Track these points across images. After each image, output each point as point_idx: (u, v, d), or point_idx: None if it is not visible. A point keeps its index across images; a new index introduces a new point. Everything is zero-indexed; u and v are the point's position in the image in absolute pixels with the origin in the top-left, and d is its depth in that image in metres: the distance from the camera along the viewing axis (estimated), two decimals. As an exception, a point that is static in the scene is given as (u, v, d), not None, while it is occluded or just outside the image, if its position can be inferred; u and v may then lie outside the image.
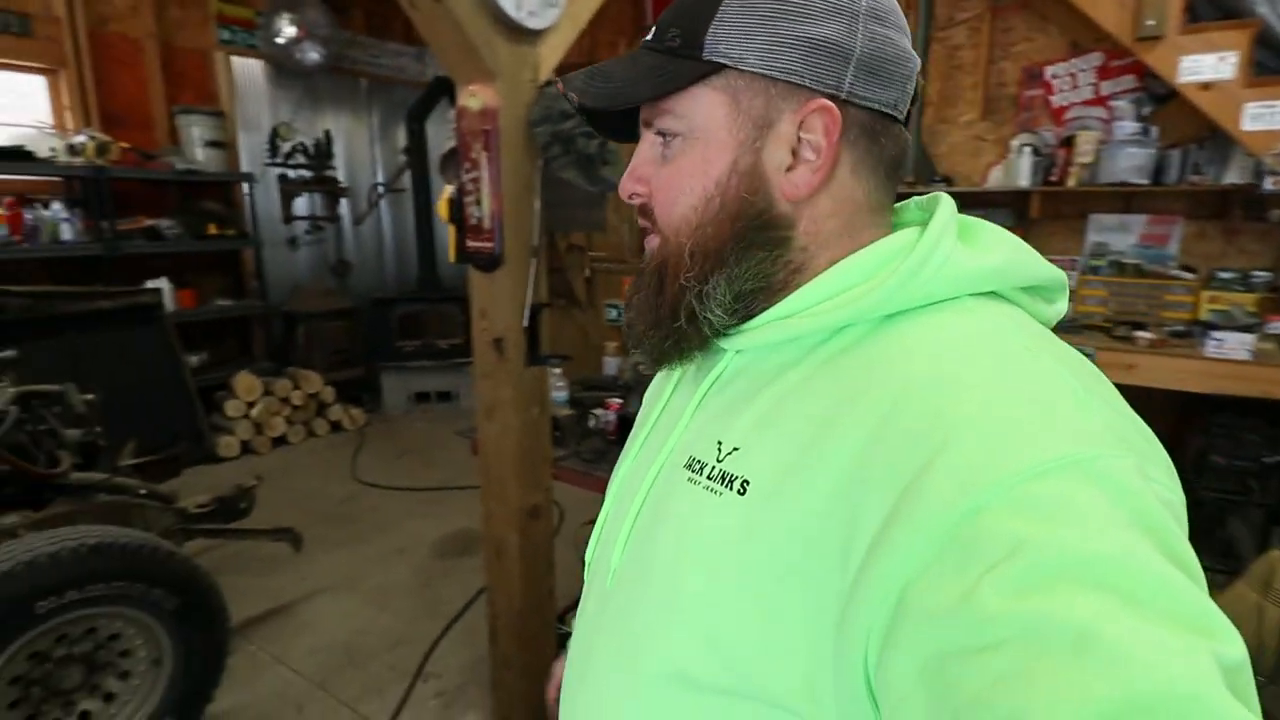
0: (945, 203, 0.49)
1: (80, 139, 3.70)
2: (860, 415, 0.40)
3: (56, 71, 3.90)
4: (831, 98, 0.46)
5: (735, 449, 0.46)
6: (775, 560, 0.41)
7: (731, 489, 0.44)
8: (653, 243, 0.52)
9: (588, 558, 0.61)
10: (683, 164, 0.49)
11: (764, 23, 0.45)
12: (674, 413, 0.56)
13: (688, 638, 0.45)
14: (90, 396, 2.39)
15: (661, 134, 0.50)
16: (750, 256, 0.48)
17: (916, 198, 0.54)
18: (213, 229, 4.32)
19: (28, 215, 3.61)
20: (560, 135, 1.59)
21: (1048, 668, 0.29)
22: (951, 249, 0.45)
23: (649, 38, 0.50)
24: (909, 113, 0.50)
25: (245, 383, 4.18)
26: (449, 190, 1.79)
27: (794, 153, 0.47)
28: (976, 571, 0.32)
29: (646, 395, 0.67)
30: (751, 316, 0.50)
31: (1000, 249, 0.47)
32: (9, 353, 2.24)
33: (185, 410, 3.41)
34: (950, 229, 0.46)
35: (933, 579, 0.33)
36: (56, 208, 3.72)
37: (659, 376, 0.63)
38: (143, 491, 2.19)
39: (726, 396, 0.51)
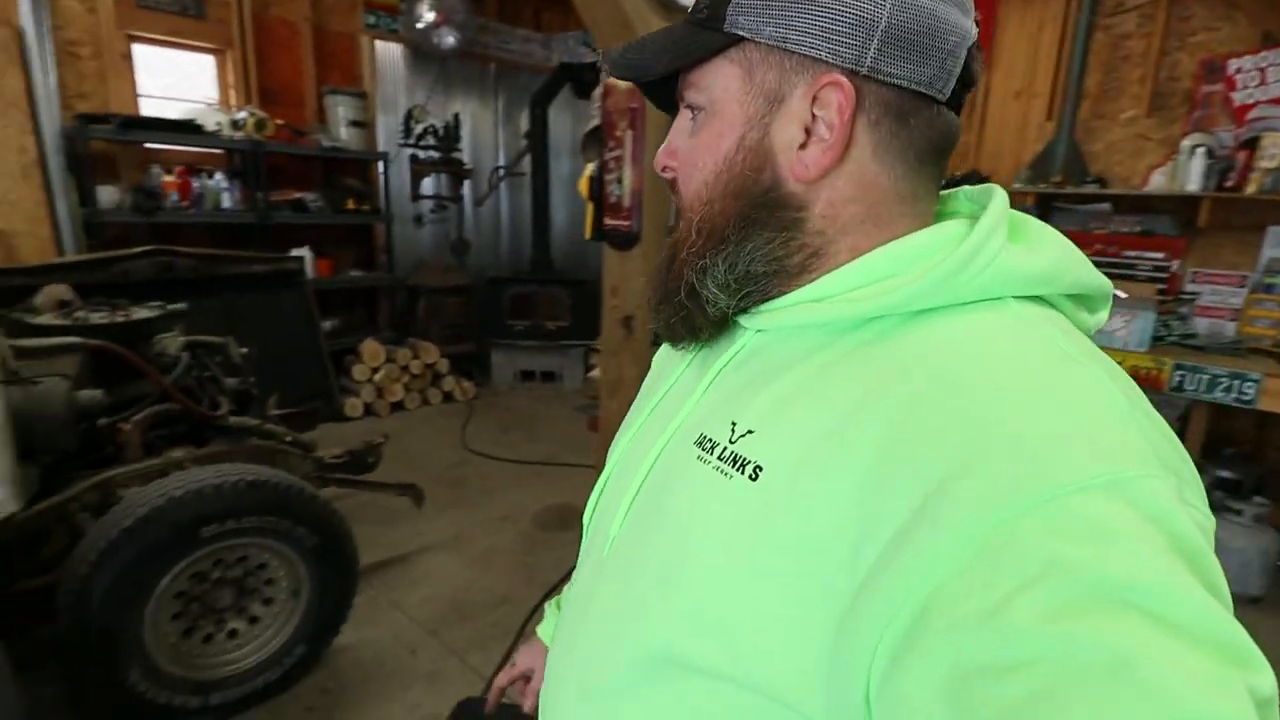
0: (999, 196, 0.46)
1: (242, 115, 4.04)
2: (886, 410, 0.39)
3: (224, 52, 4.26)
4: (851, 73, 0.43)
5: (749, 431, 0.44)
6: (781, 550, 0.40)
7: (743, 473, 0.43)
8: (679, 221, 0.51)
9: (585, 522, 0.60)
10: (702, 138, 0.48)
11: None
12: (685, 386, 0.54)
13: (682, 616, 0.44)
14: (245, 350, 2.61)
15: (690, 107, 0.49)
16: (755, 236, 0.46)
17: (967, 188, 0.50)
18: (350, 204, 4.62)
19: (195, 184, 3.98)
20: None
21: (1082, 693, 0.28)
22: (1000, 247, 0.42)
23: (689, 11, 0.49)
24: (961, 94, 0.46)
25: (371, 349, 4.45)
26: (590, 168, 1.82)
27: (808, 130, 0.45)
28: (1010, 586, 0.31)
29: (654, 364, 0.65)
30: (768, 298, 0.48)
31: (1050, 250, 0.45)
32: (180, 305, 2.47)
33: (319, 370, 3.66)
34: (1001, 225, 0.43)
35: (961, 588, 0.32)
36: (219, 178, 4.09)
37: (668, 346, 0.61)
38: (287, 439, 2.37)
39: (742, 376, 0.49)
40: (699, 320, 0.50)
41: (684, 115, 0.50)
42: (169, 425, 2.14)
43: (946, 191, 0.51)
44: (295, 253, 4.17)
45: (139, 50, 4.01)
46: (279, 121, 4.23)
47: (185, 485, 1.72)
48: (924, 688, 0.31)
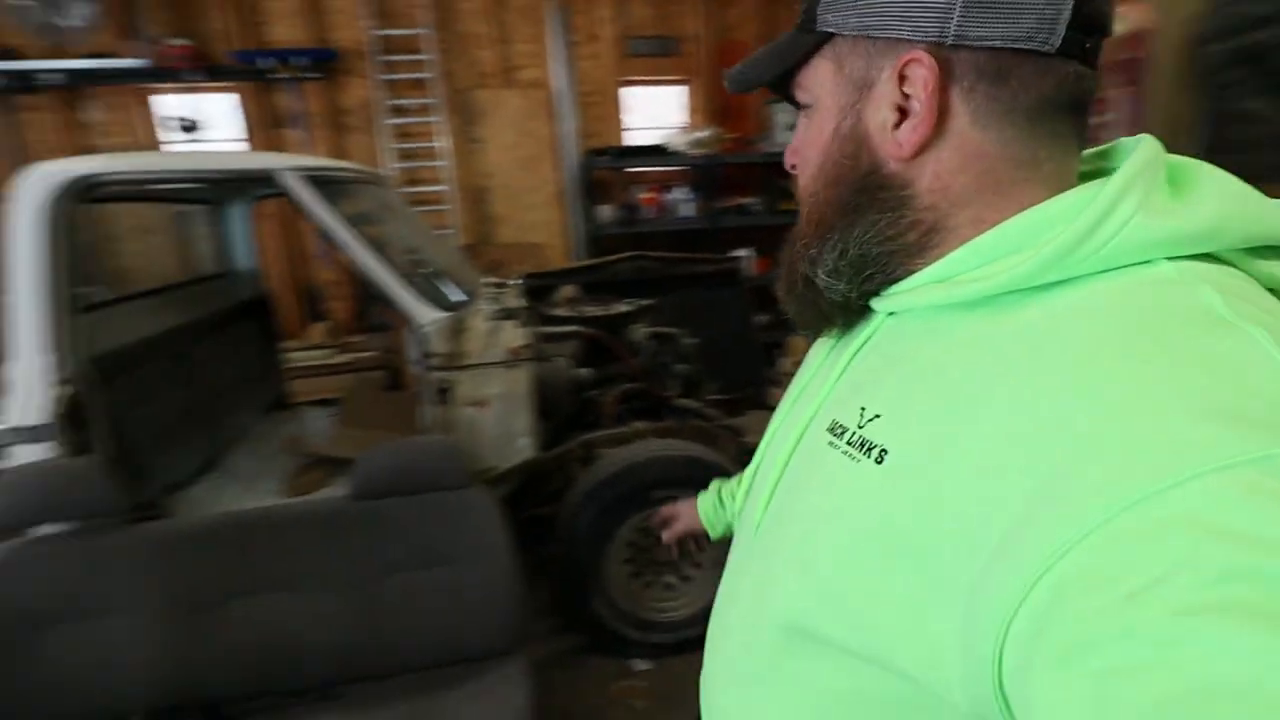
0: (1141, 147, 0.43)
1: (703, 134, 4.60)
2: (1007, 393, 0.37)
3: (690, 81, 4.92)
4: (935, 45, 0.42)
5: (877, 415, 0.45)
6: (905, 532, 0.39)
7: (870, 457, 0.43)
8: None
9: (735, 510, 0.62)
10: (808, 134, 0.50)
11: None
12: (825, 374, 0.54)
13: (813, 596, 0.45)
14: (693, 341, 2.97)
15: (802, 107, 0.51)
16: (860, 220, 0.47)
17: (1125, 139, 0.46)
18: (785, 205, 4.88)
19: (663, 197, 4.70)
20: (1248, 51, 1.18)
21: (1212, 703, 0.25)
22: (1135, 209, 0.39)
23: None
24: (1084, 41, 0.42)
25: (796, 343, 4.64)
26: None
27: (900, 110, 0.44)
28: (1137, 581, 0.28)
29: (806, 355, 0.65)
30: (894, 279, 0.48)
31: (1208, 203, 0.40)
32: (649, 301, 2.94)
33: (753, 361, 3.96)
34: (1138, 183, 0.40)
35: (1085, 581, 0.30)
36: (681, 191, 4.75)
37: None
38: (722, 422, 2.62)
39: (874, 361, 0.49)
40: (824, 308, 0.51)
41: (801, 116, 0.53)
42: (634, 401, 2.58)
43: (1106, 146, 0.48)
44: (737, 253, 4.59)
45: (625, 91, 4.90)
46: (731, 135, 4.69)
47: (644, 454, 2.05)
48: (1053, 683, 0.30)
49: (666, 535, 1.07)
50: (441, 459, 1.80)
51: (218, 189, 2.75)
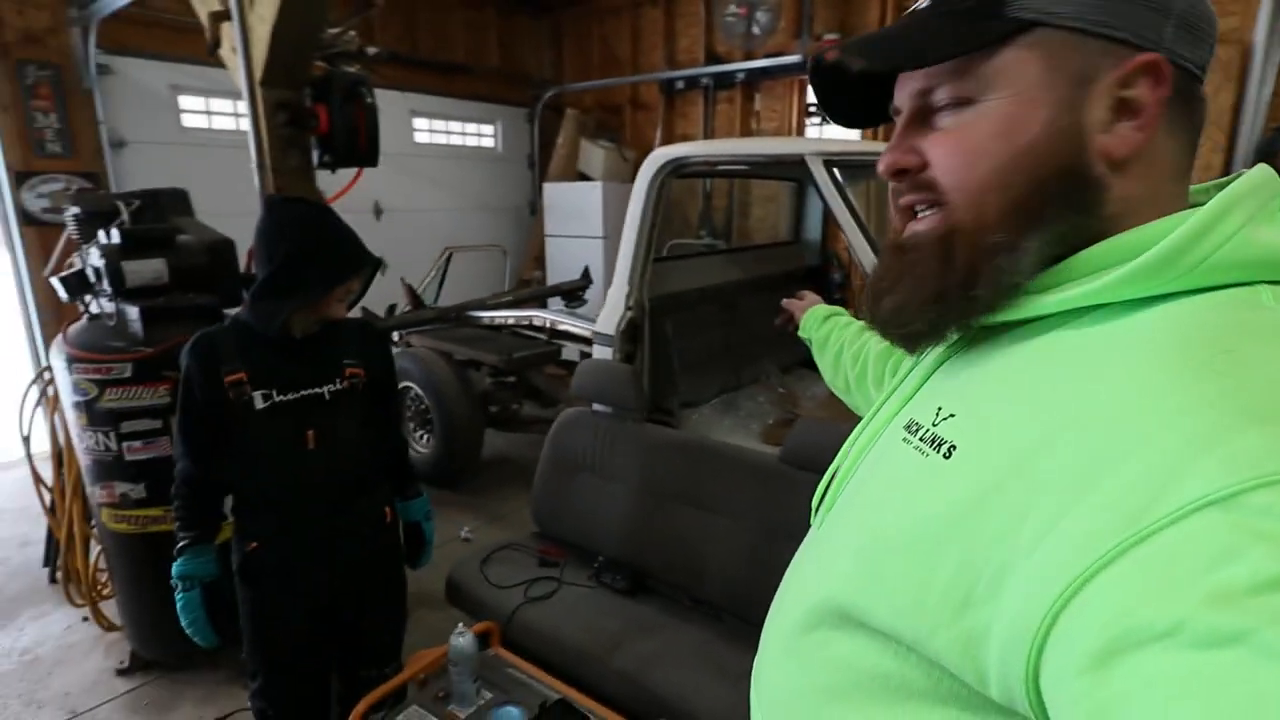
0: (1252, 173, 0.43)
1: None
2: (1073, 402, 0.38)
3: None
4: (1154, 52, 0.43)
5: (951, 415, 0.46)
6: (962, 524, 0.40)
7: (939, 452, 0.45)
8: (929, 219, 0.49)
9: (813, 505, 0.62)
10: (981, 126, 0.47)
11: None
12: (911, 378, 0.56)
13: (859, 578, 0.46)
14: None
15: (944, 103, 0.48)
16: (1067, 218, 0.45)
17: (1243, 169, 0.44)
18: None
19: None
20: None
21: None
22: (1236, 229, 0.39)
23: (928, 3, 0.48)
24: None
25: None
26: None
27: (1114, 111, 0.44)
28: (1186, 585, 0.29)
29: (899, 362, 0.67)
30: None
31: None
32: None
33: None
34: (1246, 203, 0.40)
35: (1139, 582, 0.30)
36: None
37: None
38: None
39: (957, 364, 0.51)
40: (978, 311, 0.47)
41: (914, 111, 0.50)
42: None
43: (1222, 179, 0.48)
44: None
45: (1392, 34, 3.26)
46: None
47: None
48: (1095, 683, 0.30)
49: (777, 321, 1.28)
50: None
51: (785, 169, 3.16)
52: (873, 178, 2.40)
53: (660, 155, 2.37)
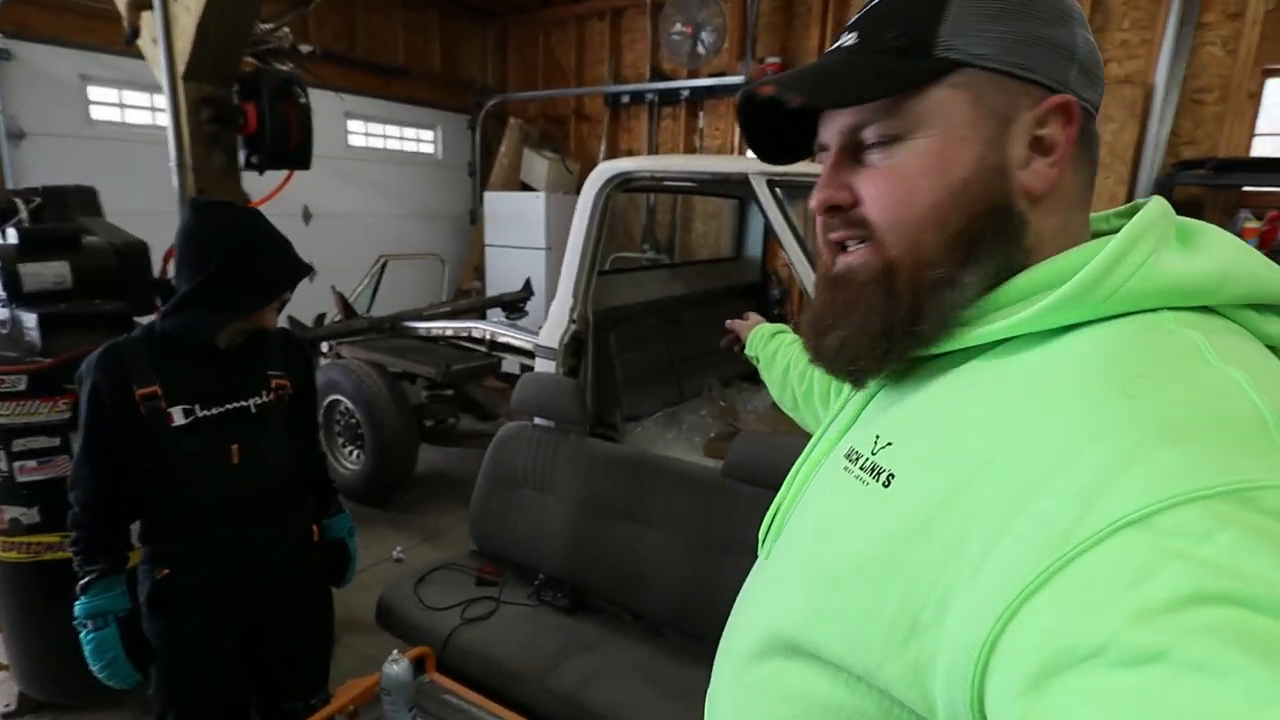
0: (1150, 206, 0.45)
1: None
2: (998, 431, 0.40)
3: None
4: (1064, 91, 0.47)
5: (889, 444, 0.47)
6: (902, 554, 0.41)
7: (878, 481, 0.46)
8: (860, 253, 0.50)
9: (760, 537, 0.62)
10: (913, 164, 0.48)
11: (996, 21, 0.46)
12: (850, 407, 0.57)
13: (808, 610, 0.47)
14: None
15: (874, 140, 0.49)
16: (999, 252, 0.47)
17: (1140, 200, 0.48)
18: None
19: (1289, 230, 3.35)
20: None
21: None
22: (1145, 258, 0.42)
23: (854, 40, 0.50)
24: None
25: None
26: None
27: (1031, 149, 0.47)
28: (1112, 605, 0.30)
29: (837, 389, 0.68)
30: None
31: (1214, 256, 0.43)
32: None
33: None
34: (1149, 235, 0.43)
35: (1066, 603, 0.31)
36: (1327, 223, 3.29)
37: None
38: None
39: (893, 394, 0.52)
40: (918, 346, 0.49)
41: (843, 149, 0.51)
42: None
43: (1124, 206, 0.52)
44: None
45: (1272, 85, 3.58)
46: None
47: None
48: (1030, 706, 0.31)
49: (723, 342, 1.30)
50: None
51: (726, 186, 3.21)
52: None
53: (606, 169, 2.36)
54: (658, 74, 5.64)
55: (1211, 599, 0.28)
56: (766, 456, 1.86)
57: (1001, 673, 0.33)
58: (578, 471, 2.14)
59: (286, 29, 2.04)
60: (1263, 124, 3.65)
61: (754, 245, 3.66)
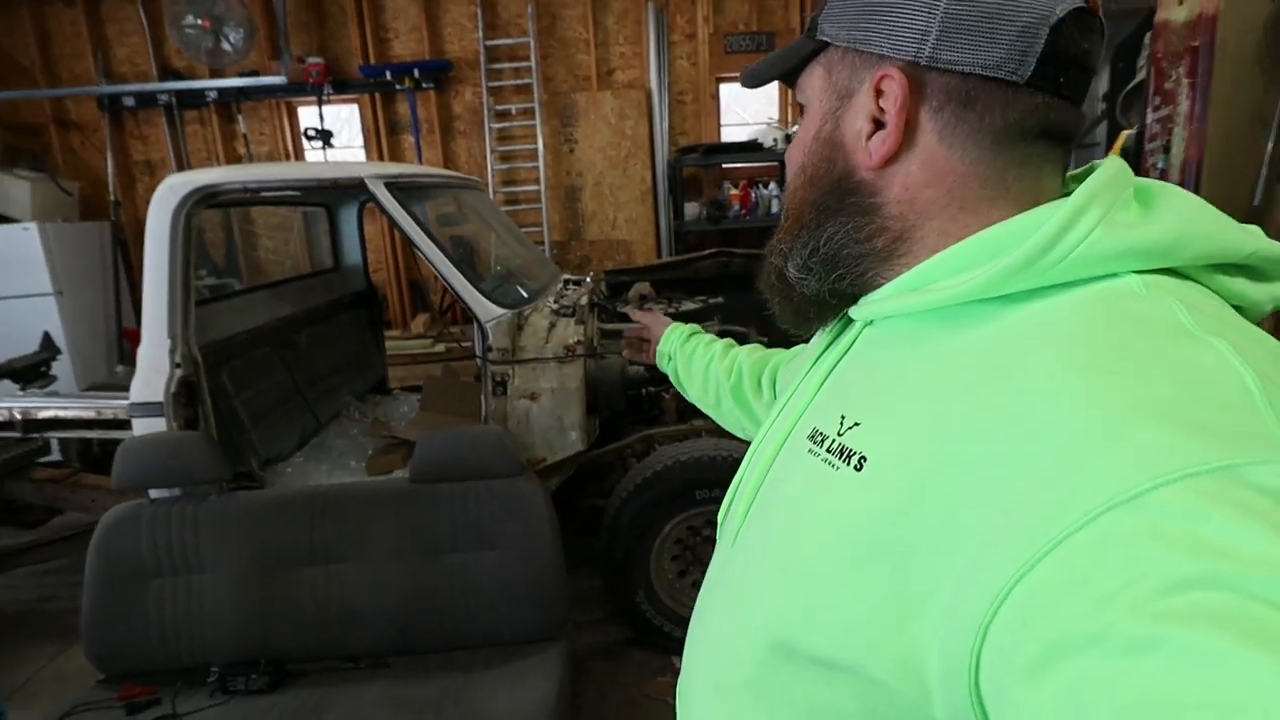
0: (1104, 166, 0.43)
1: (795, 129, 4.49)
2: (976, 407, 0.38)
3: (789, 75, 4.81)
4: (910, 64, 0.45)
5: (856, 424, 0.45)
6: (881, 540, 0.39)
7: (849, 464, 0.44)
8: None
9: (719, 518, 0.63)
10: (798, 135, 0.53)
11: (859, 3, 0.47)
12: (807, 383, 0.56)
13: (792, 605, 0.45)
14: (763, 340, 2.94)
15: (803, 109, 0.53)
16: (830, 221, 0.49)
17: (1096, 162, 0.46)
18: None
19: (753, 194, 4.64)
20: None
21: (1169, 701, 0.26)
22: (1097, 222, 0.40)
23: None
24: (1058, 75, 0.43)
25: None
26: (1125, 136, 1.40)
27: (875, 121, 0.47)
28: (1093, 593, 0.29)
29: (792, 365, 0.66)
30: (869, 286, 0.50)
31: (1169, 218, 0.41)
32: (718, 299, 2.94)
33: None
34: (1101, 198, 0.41)
35: (1058, 588, 0.30)
36: (771, 187, 4.66)
37: (804, 348, 0.64)
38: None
39: (853, 369, 0.51)
40: (798, 302, 0.53)
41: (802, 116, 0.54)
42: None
43: (1083, 169, 0.49)
44: (827, 252, 4.45)
45: (725, 89, 4.87)
46: (825, 130, 4.55)
47: (689, 453, 2.07)
48: (1026, 693, 0.30)
49: (626, 349, 1.25)
50: (493, 448, 1.90)
51: (326, 194, 3.03)
52: (431, 198, 2.50)
53: (181, 184, 2.01)
54: (169, 72, 4.79)
55: (1206, 583, 0.27)
56: (457, 449, 1.90)
57: (996, 659, 0.32)
58: (231, 534, 1.85)
59: None
60: (726, 117, 4.95)
61: (352, 253, 3.50)
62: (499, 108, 4.85)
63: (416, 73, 4.71)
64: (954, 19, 0.43)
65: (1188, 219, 0.41)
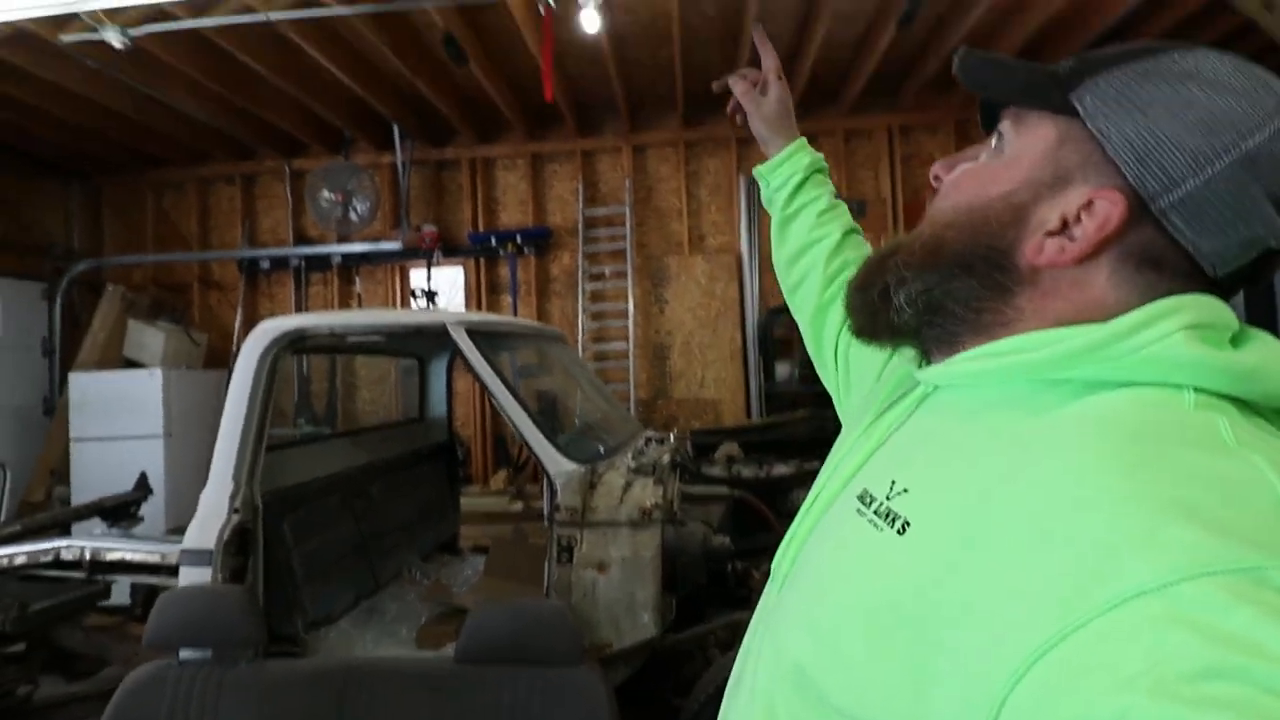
0: (1198, 298, 0.43)
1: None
2: (1021, 490, 0.39)
3: (879, 240, 4.77)
4: (1139, 201, 0.43)
5: (905, 490, 0.46)
6: (913, 602, 0.40)
7: (893, 527, 0.44)
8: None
9: (773, 566, 0.60)
10: (981, 168, 0.50)
11: (1135, 99, 0.44)
12: (862, 443, 0.55)
13: (818, 653, 0.45)
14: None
15: (999, 136, 0.50)
16: (962, 279, 0.48)
17: None
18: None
19: (850, 356, 4.44)
20: None
21: None
22: (1178, 328, 0.40)
23: (1071, 60, 0.49)
24: (1237, 285, 0.46)
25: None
26: None
27: (1065, 223, 0.45)
28: (1128, 672, 0.30)
29: (849, 420, 0.67)
30: (951, 348, 0.50)
31: (1259, 352, 0.42)
32: (813, 463, 2.65)
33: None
34: (1190, 311, 0.41)
35: (1083, 666, 0.31)
36: (870, 349, 4.47)
37: (865, 404, 0.62)
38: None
39: (909, 436, 0.51)
40: (882, 321, 0.52)
41: (989, 142, 0.52)
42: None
43: None
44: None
45: (815, 252, 4.88)
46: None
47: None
48: None
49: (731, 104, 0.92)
50: (552, 628, 1.64)
51: (416, 344, 3.07)
52: (512, 348, 2.46)
53: (273, 327, 2.04)
54: (302, 239, 5.31)
55: (1228, 674, 0.28)
56: (511, 627, 1.64)
57: None
58: (251, 708, 1.62)
59: None
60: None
61: (438, 406, 3.49)
62: (593, 270, 5.03)
63: (519, 239, 5.01)
64: (1207, 193, 0.42)
65: (1273, 358, 0.41)
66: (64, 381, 4.65)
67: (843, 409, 0.80)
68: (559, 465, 1.94)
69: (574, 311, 5.01)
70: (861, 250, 0.87)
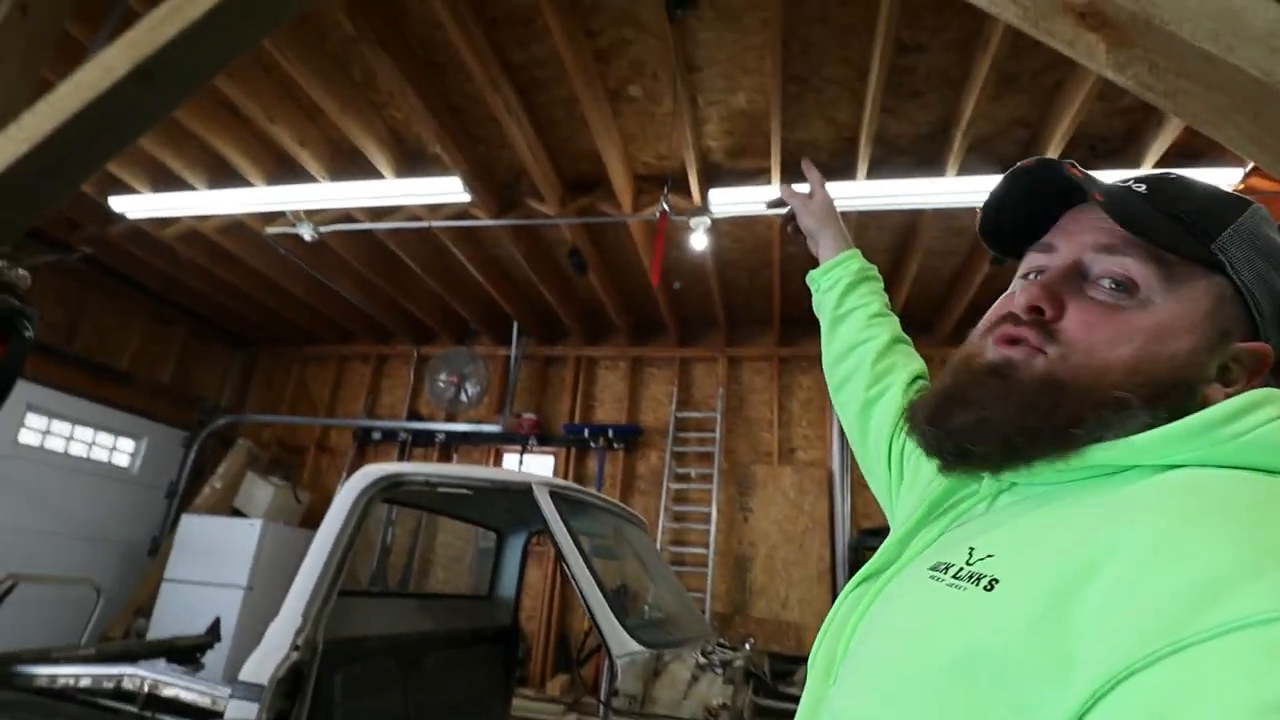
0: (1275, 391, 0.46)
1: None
2: (1120, 531, 0.40)
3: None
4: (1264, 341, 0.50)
5: (989, 555, 0.46)
6: (1005, 653, 0.39)
7: (978, 585, 0.44)
8: (1027, 354, 0.52)
9: (810, 660, 0.58)
10: (1138, 321, 0.50)
11: (1264, 257, 0.50)
12: (922, 536, 0.55)
13: (893, 715, 0.44)
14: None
15: (1107, 274, 0.52)
16: (1138, 419, 0.47)
17: None
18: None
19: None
20: None
21: None
22: (1268, 419, 0.42)
23: (1145, 190, 0.53)
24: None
25: None
26: None
27: (1223, 370, 0.50)
28: (1217, 689, 0.31)
29: (902, 511, 0.71)
30: (1064, 454, 0.50)
31: None
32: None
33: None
34: (1274, 405, 0.43)
35: (1164, 683, 0.32)
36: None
37: (922, 497, 0.61)
38: None
39: (983, 520, 0.52)
40: (1051, 451, 0.49)
41: (1072, 269, 0.53)
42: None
43: None
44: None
45: (910, 475, 4.71)
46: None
47: None
48: None
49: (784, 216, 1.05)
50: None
51: (497, 513, 3.12)
52: (593, 520, 2.45)
53: (374, 471, 2.18)
54: (414, 415, 5.73)
55: None
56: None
57: None
58: None
59: (24, 272, 1.76)
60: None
61: (508, 585, 3.43)
62: (680, 470, 5.05)
63: (611, 433, 5.18)
64: None
65: None
66: (175, 523, 4.96)
67: (893, 499, 0.79)
68: (623, 645, 1.84)
69: (656, 510, 4.97)
70: (913, 360, 0.88)
